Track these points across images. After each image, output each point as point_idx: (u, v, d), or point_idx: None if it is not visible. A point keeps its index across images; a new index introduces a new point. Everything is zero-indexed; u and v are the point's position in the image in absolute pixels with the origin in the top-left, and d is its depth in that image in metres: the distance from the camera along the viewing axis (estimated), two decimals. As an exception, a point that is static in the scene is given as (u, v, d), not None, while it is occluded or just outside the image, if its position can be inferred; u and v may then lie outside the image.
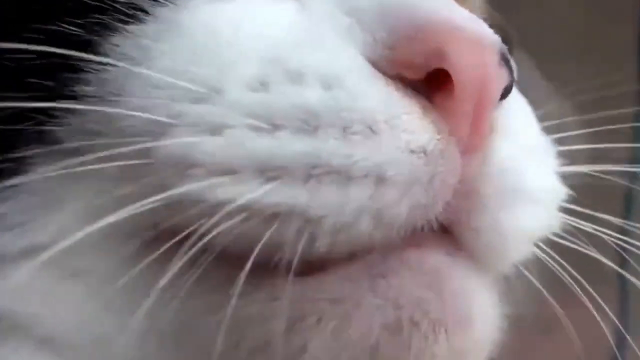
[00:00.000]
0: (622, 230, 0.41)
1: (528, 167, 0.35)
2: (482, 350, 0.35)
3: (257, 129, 0.30)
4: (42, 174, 0.32)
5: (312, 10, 0.34)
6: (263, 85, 0.31)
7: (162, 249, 0.30)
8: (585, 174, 0.40)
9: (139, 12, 0.33)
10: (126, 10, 0.33)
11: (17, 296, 0.33)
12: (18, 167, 0.33)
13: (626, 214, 0.44)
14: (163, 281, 0.30)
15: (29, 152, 0.33)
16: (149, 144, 0.30)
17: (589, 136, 0.41)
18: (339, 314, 0.31)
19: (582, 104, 0.44)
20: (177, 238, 0.30)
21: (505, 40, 0.36)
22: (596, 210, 0.39)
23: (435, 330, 0.32)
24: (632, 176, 0.46)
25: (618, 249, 0.40)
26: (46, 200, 0.33)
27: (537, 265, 0.39)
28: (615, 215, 0.40)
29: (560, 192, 0.38)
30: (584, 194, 0.40)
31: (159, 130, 0.31)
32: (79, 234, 0.30)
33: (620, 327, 0.44)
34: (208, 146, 0.30)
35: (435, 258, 0.32)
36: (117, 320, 0.32)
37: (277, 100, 0.31)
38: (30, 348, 0.33)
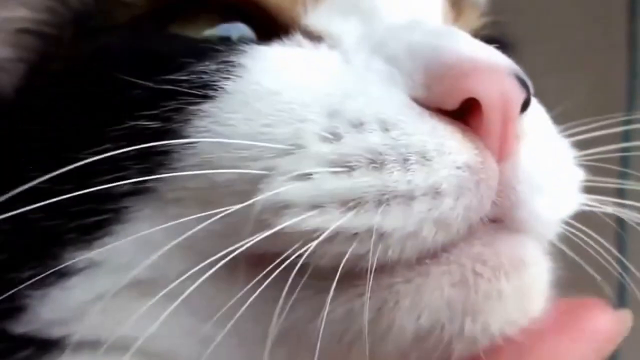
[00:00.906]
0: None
1: (550, 163, 0.41)
2: (541, 288, 0.41)
3: (335, 173, 0.37)
4: (145, 223, 0.39)
5: (353, 60, 0.41)
6: (334, 135, 0.38)
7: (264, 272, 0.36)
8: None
9: (207, 92, 0.39)
10: (194, 92, 0.39)
11: (121, 321, 0.38)
12: (119, 217, 0.39)
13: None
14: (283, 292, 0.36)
15: (128, 203, 0.39)
16: (250, 200, 0.36)
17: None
18: (412, 289, 0.37)
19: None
20: (278, 260, 0.36)
21: (507, 40, 0.44)
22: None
23: (496, 275, 0.38)
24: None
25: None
26: (147, 243, 0.38)
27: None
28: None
29: (579, 176, 0.44)
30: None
31: (254, 183, 0.37)
32: (193, 270, 0.36)
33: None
34: (299, 190, 0.37)
35: (486, 231, 0.39)
36: (231, 334, 0.38)
37: (348, 147, 0.37)
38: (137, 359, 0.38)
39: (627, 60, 1.13)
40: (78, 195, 0.37)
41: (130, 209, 0.39)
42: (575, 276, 0.44)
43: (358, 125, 0.38)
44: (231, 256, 0.36)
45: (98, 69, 0.41)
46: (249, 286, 0.37)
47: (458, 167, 0.37)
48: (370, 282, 0.36)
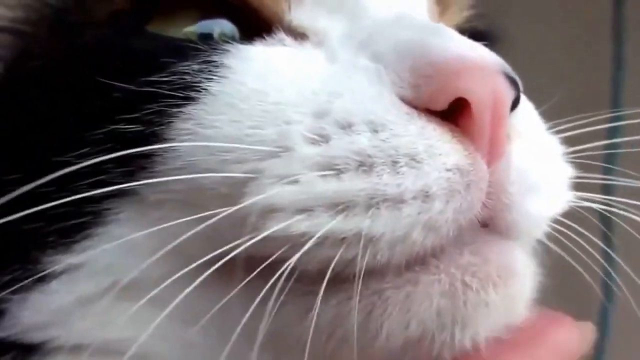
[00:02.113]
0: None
1: (540, 162, 0.41)
2: (527, 295, 0.41)
3: (324, 176, 0.36)
4: (126, 227, 0.38)
5: (339, 58, 0.40)
6: (322, 137, 0.37)
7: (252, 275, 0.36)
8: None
9: (189, 93, 0.38)
10: (176, 94, 0.38)
11: (106, 326, 0.38)
12: (99, 219, 0.38)
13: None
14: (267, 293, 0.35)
15: (109, 206, 0.38)
16: (237, 206, 0.36)
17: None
18: (402, 296, 0.37)
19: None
20: (265, 264, 0.35)
21: (493, 33, 0.43)
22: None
23: (485, 285, 0.38)
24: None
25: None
26: (128, 245, 0.37)
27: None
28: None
29: (568, 173, 0.44)
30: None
31: (240, 186, 0.37)
32: (180, 274, 0.35)
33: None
34: (287, 194, 0.36)
35: (476, 234, 0.38)
36: (215, 336, 0.38)
37: (336, 149, 0.36)
38: None
39: (612, 55, 1.13)
40: (58, 198, 0.36)
41: (111, 212, 0.39)
42: (562, 275, 0.44)
43: (346, 127, 0.37)
44: (220, 263, 0.35)
45: (76, 70, 0.40)
46: (235, 290, 0.36)
47: (448, 170, 0.37)
48: (359, 287, 0.36)
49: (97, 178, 0.37)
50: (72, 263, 0.39)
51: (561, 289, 0.43)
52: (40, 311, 0.39)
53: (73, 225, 0.38)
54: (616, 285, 0.47)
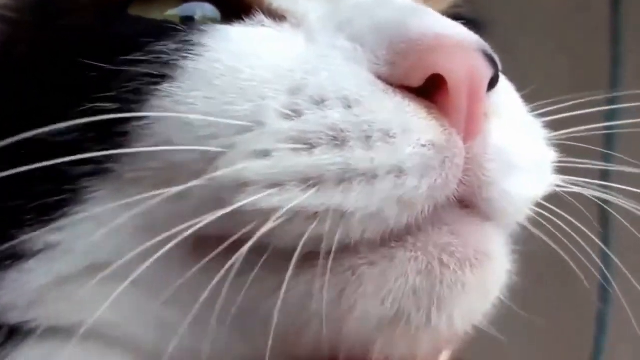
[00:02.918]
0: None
1: (520, 141, 0.40)
2: (502, 279, 0.41)
3: (296, 150, 0.36)
4: (103, 204, 0.38)
5: (317, 39, 0.40)
6: (295, 112, 0.37)
7: (221, 249, 0.35)
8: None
9: (165, 71, 0.38)
10: (152, 72, 0.38)
11: (84, 307, 0.38)
12: (77, 197, 0.39)
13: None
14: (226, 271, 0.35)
15: (86, 184, 0.39)
16: (208, 175, 0.36)
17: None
18: (376, 272, 0.37)
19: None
20: (234, 239, 0.35)
21: (479, 19, 0.43)
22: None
23: (462, 266, 0.37)
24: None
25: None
26: (105, 224, 0.37)
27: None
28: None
29: (550, 156, 0.43)
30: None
31: (213, 161, 0.37)
32: (147, 245, 0.35)
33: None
34: (258, 168, 0.36)
35: (455, 213, 0.38)
36: (183, 314, 0.37)
37: (309, 124, 0.36)
38: (103, 348, 0.39)
39: (609, 35, 1.11)
40: (35, 174, 0.36)
41: (88, 190, 0.39)
42: (557, 265, 0.43)
43: (319, 102, 0.37)
44: (187, 233, 0.35)
45: (57, 53, 0.41)
46: (201, 264, 0.36)
47: (423, 145, 0.36)
48: (331, 263, 0.35)
49: (75, 154, 0.37)
50: (49, 241, 0.39)
51: (558, 284, 0.41)
52: (17, 290, 0.39)
53: (50, 203, 0.38)
54: (613, 282, 0.47)
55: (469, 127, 0.37)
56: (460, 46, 0.37)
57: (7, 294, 0.39)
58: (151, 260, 0.35)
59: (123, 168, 0.38)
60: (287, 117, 0.37)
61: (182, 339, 0.37)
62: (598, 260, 0.45)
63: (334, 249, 0.35)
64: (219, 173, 0.36)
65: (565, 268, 0.44)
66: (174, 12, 0.41)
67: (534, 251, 0.43)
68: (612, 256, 0.48)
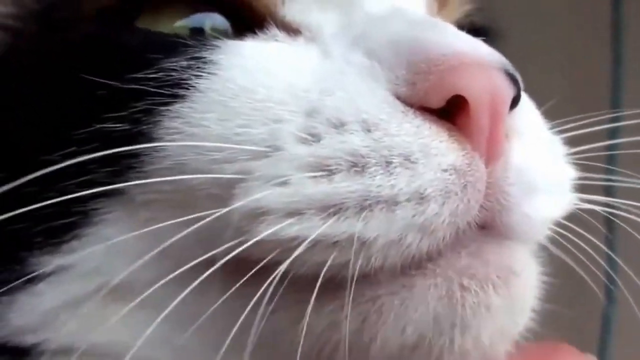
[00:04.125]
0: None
1: (542, 161, 0.39)
2: (531, 295, 0.40)
3: (314, 177, 0.35)
4: (114, 227, 0.37)
5: (332, 54, 0.39)
6: (313, 137, 0.36)
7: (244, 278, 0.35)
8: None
9: (177, 91, 0.37)
10: (163, 92, 0.37)
11: (96, 329, 0.37)
12: (87, 219, 0.38)
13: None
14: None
15: (97, 206, 0.38)
16: (226, 209, 0.35)
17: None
18: (397, 302, 0.36)
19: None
20: (256, 268, 0.34)
21: (493, 27, 0.42)
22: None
23: (484, 288, 0.36)
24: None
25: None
26: (117, 246, 0.37)
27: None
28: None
29: (571, 175, 0.42)
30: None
31: (230, 186, 0.36)
32: (171, 276, 0.35)
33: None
34: (277, 197, 0.35)
35: (474, 237, 0.37)
36: (207, 342, 0.37)
37: (327, 149, 0.35)
38: None
39: (611, 54, 1.13)
40: (44, 196, 0.36)
41: (99, 212, 0.38)
42: (565, 277, 0.44)
43: (339, 126, 0.36)
44: (213, 268, 0.35)
45: (63, 66, 0.39)
46: (226, 295, 0.35)
47: (444, 170, 0.36)
48: (352, 293, 0.35)
49: (84, 178, 0.37)
50: (60, 264, 0.38)
51: (564, 290, 0.43)
52: (28, 313, 0.39)
53: (60, 225, 0.38)
54: (618, 287, 0.47)
55: (491, 149, 0.36)
56: (481, 65, 0.36)
57: (18, 316, 0.38)
58: (183, 294, 0.34)
59: (135, 190, 0.37)
60: (305, 141, 0.36)
61: None
62: (604, 264, 0.46)
63: (355, 277, 0.34)
64: (238, 204, 0.35)
65: (572, 272, 0.44)
66: (183, 23, 0.40)
67: (541, 256, 0.43)
68: (618, 260, 0.48)
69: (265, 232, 0.35)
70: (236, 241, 0.35)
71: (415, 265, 0.36)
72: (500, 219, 0.37)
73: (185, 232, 0.35)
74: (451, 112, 0.36)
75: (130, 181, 0.37)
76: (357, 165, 0.35)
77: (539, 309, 0.42)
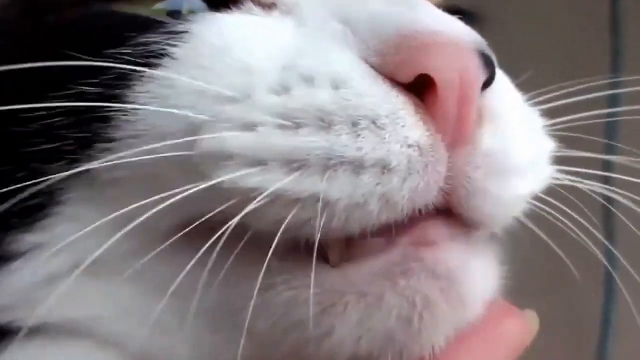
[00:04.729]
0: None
1: (516, 143, 0.39)
2: (483, 301, 0.40)
3: (282, 127, 0.35)
4: (79, 204, 0.38)
5: (308, 22, 0.39)
6: (284, 89, 0.36)
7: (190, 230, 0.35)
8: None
9: (151, 60, 0.38)
10: (138, 61, 0.37)
11: (72, 304, 0.38)
12: (54, 198, 0.38)
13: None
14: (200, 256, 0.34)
15: (63, 185, 0.38)
16: (190, 138, 0.35)
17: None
18: (363, 307, 0.36)
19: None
20: (213, 214, 0.34)
21: (476, 11, 0.42)
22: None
23: (439, 322, 0.37)
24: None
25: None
26: (83, 218, 0.37)
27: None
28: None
29: (548, 147, 0.42)
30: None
31: (197, 127, 0.36)
32: (118, 235, 0.35)
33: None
34: (241, 141, 0.35)
35: (447, 256, 0.37)
36: (178, 308, 0.37)
37: (296, 101, 0.35)
38: (91, 343, 0.39)
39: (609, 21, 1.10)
40: (11, 172, 0.37)
41: (63, 191, 0.38)
42: (560, 260, 0.43)
43: (309, 80, 0.36)
44: (165, 204, 0.34)
45: (41, 48, 0.40)
46: (164, 244, 0.35)
47: (410, 145, 0.35)
48: (314, 265, 0.34)
49: (53, 145, 0.37)
50: (34, 242, 0.39)
51: (562, 284, 0.40)
52: (6, 292, 0.39)
53: (34, 205, 0.38)
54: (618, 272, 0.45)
55: (458, 134, 0.36)
56: (454, 46, 0.35)
57: None
58: (125, 230, 0.34)
59: (100, 168, 0.37)
60: (276, 92, 0.36)
61: (166, 337, 0.38)
62: (603, 259, 0.44)
63: (317, 240, 0.34)
64: (201, 138, 0.35)
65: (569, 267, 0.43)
66: (160, 7, 0.40)
67: (537, 249, 0.42)
68: (616, 253, 0.46)
69: (225, 176, 0.34)
70: (195, 184, 0.34)
71: (386, 260, 0.36)
72: (467, 203, 0.37)
73: (155, 210, 0.35)
74: (421, 89, 0.36)
75: (98, 154, 0.37)
76: (324, 121, 0.35)
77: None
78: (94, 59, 0.37)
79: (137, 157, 0.36)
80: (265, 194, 0.34)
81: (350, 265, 0.37)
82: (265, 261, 0.34)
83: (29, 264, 0.38)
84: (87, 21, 0.40)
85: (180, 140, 0.36)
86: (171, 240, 0.35)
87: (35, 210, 0.38)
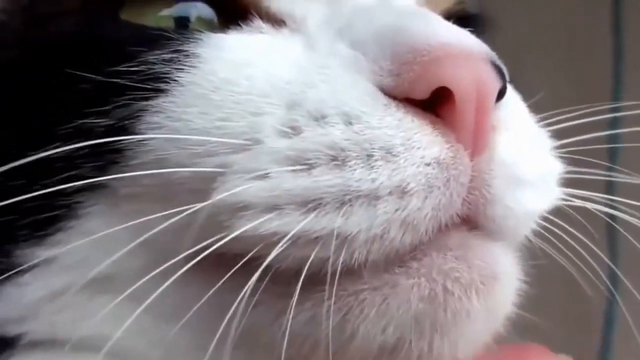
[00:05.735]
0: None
1: (528, 155, 0.39)
2: (509, 301, 0.40)
3: (294, 171, 0.35)
4: (98, 219, 0.37)
5: (316, 45, 0.38)
6: (294, 130, 0.35)
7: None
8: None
9: (158, 85, 0.37)
10: (145, 86, 0.37)
11: (81, 320, 0.38)
12: (71, 212, 0.38)
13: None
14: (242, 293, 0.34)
15: (81, 198, 0.38)
16: (202, 203, 0.35)
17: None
18: (379, 298, 0.36)
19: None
20: (240, 263, 0.34)
21: (483, 16, 0.42)
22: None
23: (468, 292, 0.36)
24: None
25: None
26: (101, 239, 0.37)
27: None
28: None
29: (557, 169, 0.42)
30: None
31: (210, 180, 0.36)
32: (130, 246, 0.35)
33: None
34: (255, 190, 0.35)
35: (458, 235, 0.37)
36: (191, 334, 0.37)
37: (307, 142, 0.35)
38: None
39: (612, 46, 1.11)
40: (27, 190, 0.36)
41: (83, 205, 0.38)
42: (565, 278, 0.43)
43: (319, 119, 0.36)
44: (190, 264, 0.35)
45: (46, 60, 0.39)
46: (213, 290, 0.35)
47: (427, 164, 0.35)
48: (335, 288, 0.35)
49: (69, 173, 0.37)
50: (45, 257, 0.38)
51: (565, 292, 0.41)
52: (14, 304, 0.39)
53: (45, 218, 0.38)
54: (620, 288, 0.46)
55: (477, 141, 0.36)
56: (467, 57, 0.35)
57: (3, 307, 0.39)
58: (163, 287, 0.34)
59: (118, 184, 0.37)
60: (285, 134, 0.35)
61: (182, 356, 0.38)
62: (604, 276, 0.45)
63: (338, 272, 0.34)
64: (217, 197, 0.35)
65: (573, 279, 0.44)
66: (167, 13, 0.40)
67: (542, 264, 0.42)
68: (618, 272, 0.47)
69: (244, 227, 0.34)
70: (217, 237, 0.35)
71: (399, 262, 0.36)
72: (485, 212, 0.37)
73: (165, 225, 0.35)
74: (436, 103, 0.36)
75: (112, 175, 0.37)
76: (337, 159, 0.35)
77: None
78: (99, 78, 0.37)
79: (151, 182, 0.36)
80: (286, 239, 0.34)
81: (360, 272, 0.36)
82: (288, 293, 0.35)
83: (39, 277, 0.38)
84: (91, 32, 0.39)
85: (194, 187, 0.36)
86: (189, 265, 0.35)
87: (47, 224, 0.38)
